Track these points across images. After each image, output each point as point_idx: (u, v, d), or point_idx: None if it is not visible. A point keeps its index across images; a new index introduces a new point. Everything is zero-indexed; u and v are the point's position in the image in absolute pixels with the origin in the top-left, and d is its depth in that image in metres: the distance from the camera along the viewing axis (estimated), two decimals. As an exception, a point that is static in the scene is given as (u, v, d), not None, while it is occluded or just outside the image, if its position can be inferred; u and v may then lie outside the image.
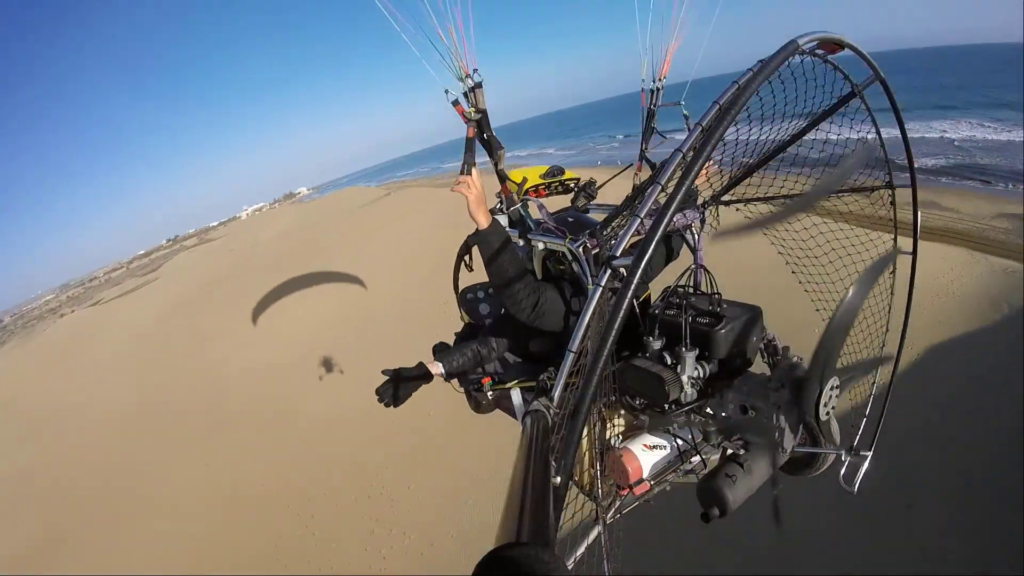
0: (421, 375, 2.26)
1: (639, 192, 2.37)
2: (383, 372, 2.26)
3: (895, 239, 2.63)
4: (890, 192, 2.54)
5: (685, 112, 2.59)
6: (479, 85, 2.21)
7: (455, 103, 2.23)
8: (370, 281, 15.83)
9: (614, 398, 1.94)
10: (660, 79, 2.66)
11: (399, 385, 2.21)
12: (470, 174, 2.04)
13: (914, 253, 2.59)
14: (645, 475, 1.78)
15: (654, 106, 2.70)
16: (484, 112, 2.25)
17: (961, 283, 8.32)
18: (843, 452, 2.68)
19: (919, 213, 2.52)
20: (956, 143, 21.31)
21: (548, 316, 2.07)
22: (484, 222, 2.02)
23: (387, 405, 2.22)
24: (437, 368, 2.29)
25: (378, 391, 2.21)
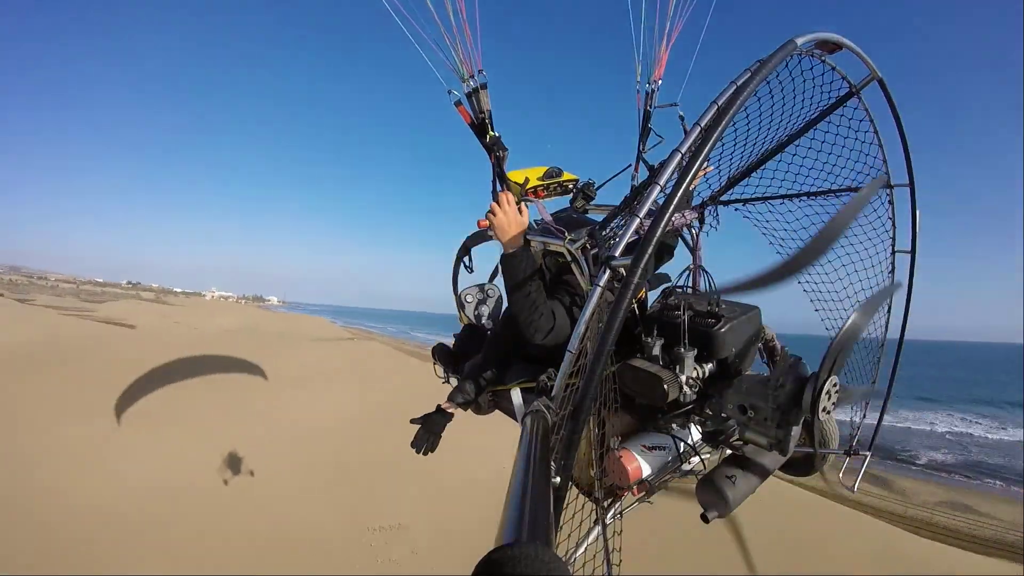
0: (445, 416, 2.48)
1: (637, 192, 2.38)
2: (412, 421, 2.49)
3: (893, 237, 2.64)
4: (888, 192, 2.55)
5: (681, 114, 2.59)
6: (484, 86, 2.20)
7: (457, 104, 2.22)
8: (299, 420, 12.39)
9: (615, 401, 1.94)
10: (655, 80, 2.66)
11: (429, 432, 2.44)
12: (496, 201, 2.06)
13: (913, 252, 2.61)
14: (644, 476, 1.78)
15: (650, 108, 2.70)
16: (488, 113, 2.24)
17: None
18: (842, 452, 2.69)
19: (918, 213, 2.53)
20: (948, 437, 22.32)
21: (559, 332, 2.07)
22: (509, 247, 2.03)
23: (425, 453, 2.46)
24: (452, 406, 2.48)
25: (413, 444, 2.43)
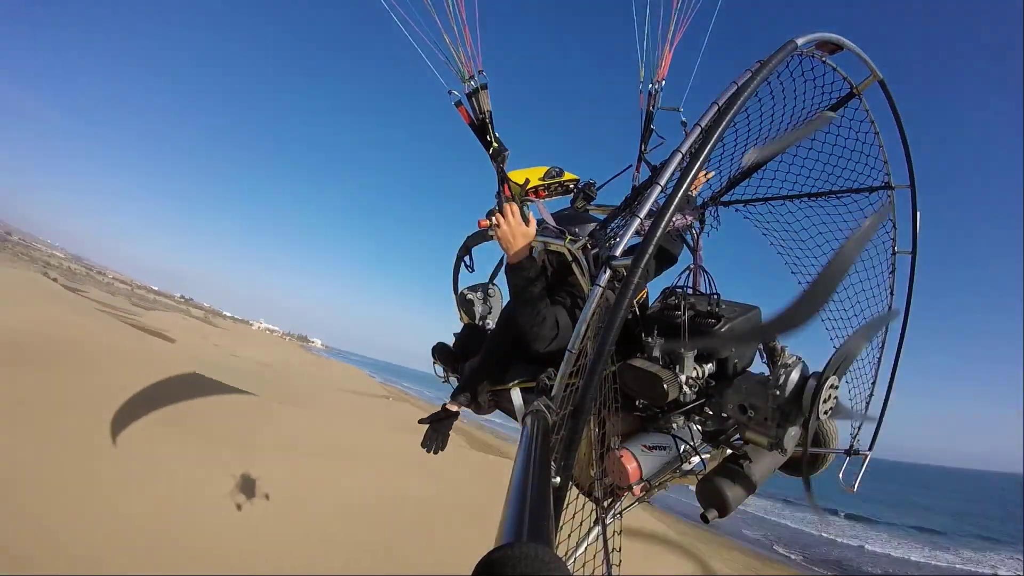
0: (448, 416, 2.55)
1: (638, 193, 2.37)
2: (419, 421, 2.59)
3: (894, 239, 2.64)
4: (888, 193, 2.55)
5: (684, 119, 2.58)
6: (484, 87, 2.19)
7: (458, 104, 2.21)
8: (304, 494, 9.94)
9: (616, 401, 1.95)
10: (659, 80, 2.65)
11: (437, 431, 2.53)
12: (500, 211, 2.07)
13: (913, 253, 2.61)
14: (644, 476, 1.78)
15: (652, 108, 2.69)
16: (488, 114, 2.23)
17: None
18: (843, 452, 2.69)
19: (918, 214, 2.53)
20: (1015, 583, 21.11)
21: (562, 340, 2.05)
22: (513, 259, 2.04)
23: (435, 452, 2.56)
24: (456, 406, 2.55)
25: (423, 444, 2.53)
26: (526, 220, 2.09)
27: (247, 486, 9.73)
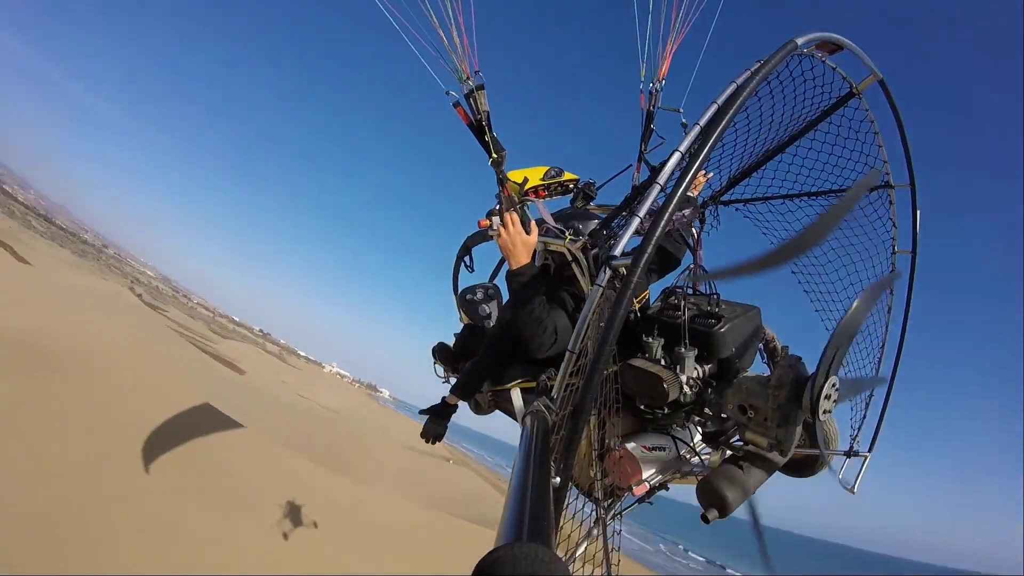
0: (448, 408, 2.62)
1: (638, 192, 2.37)
2: (420, 412, 2.67)
3: (894, 238, 2.63)
4: (888, 192, 2.55)
5: (684, 121, 2.57)
6: (481, 87, 2.19)
7: (456, 105, 2.21)
8: None
9: (616, 401, 1.94)
10: (659, 80, 2.65)
11: (435, 423, 2.61)
12: (501, 216, 2.08)
13: (914, 252, 2.60)
14: (644, 476, 1.77)
15: (653, 108, 2.68)
16: (486, 114, 2.23)
17: None
18: (843, 453, 2.69)
19: (918, 213, 2.53)
20: None
21: (561, 345, 2.05)
22: (513, 264, 2.05)
23: (433, 443, 2.66)
24: (456, 400, 2.61)
25: (423, 434, 2.63)
26: (527, 228, 2.09)
27: (266, 562, 8.99)
